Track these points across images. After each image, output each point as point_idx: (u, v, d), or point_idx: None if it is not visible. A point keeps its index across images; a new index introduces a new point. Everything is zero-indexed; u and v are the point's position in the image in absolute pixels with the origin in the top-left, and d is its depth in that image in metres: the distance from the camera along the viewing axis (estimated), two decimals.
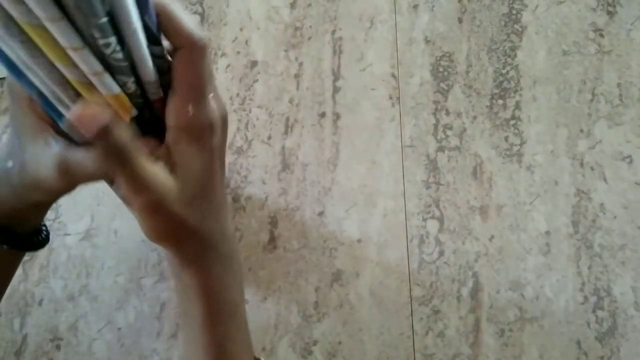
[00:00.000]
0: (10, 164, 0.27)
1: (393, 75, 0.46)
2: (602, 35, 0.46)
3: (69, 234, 0.42)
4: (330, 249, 0.41)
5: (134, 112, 0.21)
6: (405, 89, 0.45)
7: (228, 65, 0.47)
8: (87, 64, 0.17)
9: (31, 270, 0.41)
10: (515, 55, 0.45)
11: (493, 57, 0.46)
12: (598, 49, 0.46)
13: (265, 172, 0.43)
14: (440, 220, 0.41)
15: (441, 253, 0.40)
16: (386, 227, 0.41)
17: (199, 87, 0.22)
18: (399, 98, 0.45)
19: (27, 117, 0.23)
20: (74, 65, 0.18)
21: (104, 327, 0.39)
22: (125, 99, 0.20)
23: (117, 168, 0.20)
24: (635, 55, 0.45)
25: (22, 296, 0.40)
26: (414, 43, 0.47)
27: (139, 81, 0.20)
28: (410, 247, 0.40)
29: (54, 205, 0.43)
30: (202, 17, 0.48)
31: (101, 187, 0.43)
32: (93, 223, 0.42)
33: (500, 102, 0.44)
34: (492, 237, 0.40)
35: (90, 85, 0.19)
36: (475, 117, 0.44)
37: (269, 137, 0.45)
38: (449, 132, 0.44)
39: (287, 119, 0.45)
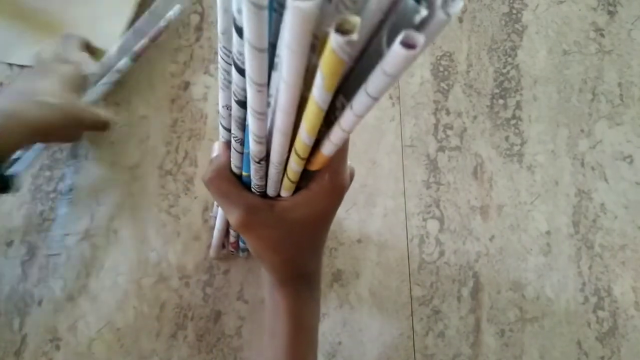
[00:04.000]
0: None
1: None
2: (602, 35, 0.46)
3: (68, 234, 0.41)
4: (330, 249, 0.41)
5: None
6: (406, 89, 0.45)
7: None
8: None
9: (30, 270, 0.41)
10: (516, 55, 0.45)
11: (493, 56, 0.45)
12: (599, 49, 0.46)
13: None
14: (441, 220, 0.41)
15: (441, 253, 0.40)
16: (386, 227, 0.41)
17: (339, 161, 0.25)
18: (399, 98, 0.45)
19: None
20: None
21: (103, 328, 0.39)
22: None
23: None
24: (636, 55, 0.45)
25: (22, 296, 0.40)
26: None
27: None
28: (411, 247, 0.40)
29: (53, 205, 0.42)
30: (202, 16, 0.48)
31: (100, 187, 0.43)
32: (92, 223, 0.42)
33: (501, 101, 0.44)
34: (493, 237, 0.40)
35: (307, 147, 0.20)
36: (475, 117, 0.44)
37: None
38: (449, 132, 0.43)
39: None
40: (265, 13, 0.14)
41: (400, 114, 0.44)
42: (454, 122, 0.44)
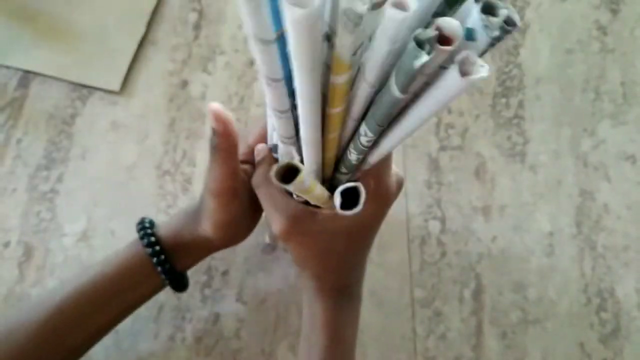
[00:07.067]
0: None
1: None
2: (605, 34, 0.46)
3: (65, 235, 0.41)
4: None
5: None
6: None
7: (227, 63, 0.46)
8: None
9: (27, 271, 0.40)
10: (519, 54, 0.45)
11: (496, 55, 0.45)
12: (602, 47, 0.45)
13: None
14: (442, 220, 0.40)
15: (443, 254, 0.40)
16: (387, 228, 0.40)
17: (384, 168, 0.25)
18: None
19: (233, 181, 0.27)
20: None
21: None
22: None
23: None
24: (639, 54, 0.45)
25: (19, 297, 0.40)
26: None
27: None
28: (412, 248, 0.40)
29: (50, 206, 0.42)
30: (200, 14, 0.48)
31: (97, 187, 0.42)
32: (90, 224, 0.41)
33: (503, 100, 0.44)
34: (495, 237, 0.40)
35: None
36: (477, 116, 0.43)
37: None
38: (451, 131, 0.43)
39: None
40: (274, 47, 0.14)
41: None
42: (456, 121, 0.43)
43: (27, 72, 0.46)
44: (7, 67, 0.46)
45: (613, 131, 0.42)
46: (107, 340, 0.38)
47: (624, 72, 0.44)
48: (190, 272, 0.40)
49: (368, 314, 0.38)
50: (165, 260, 0.31)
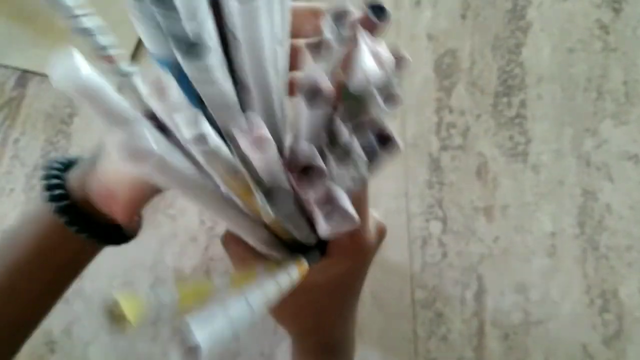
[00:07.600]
0: None
1: None
2: (607, 32, 0.45)
3: None
4: None
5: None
6: (407, 86, 0.44)
7: None
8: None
9: None
10: (520, 53, 0.45)
11: (497, 54, 0.45)
12: (604, 47, 0.45)
13: None
14: (444, 221, 0.40)
15: (444, 255, 0.39)
16: (387, 229, 0.40)
17: (361, 219, 0.22)
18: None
19: None
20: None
21: (99, 331, 0.38)
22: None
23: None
24: None
25: None
26: (416, 39, 0.46)
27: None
28: (413, 249, 0.39)
29: None
30: None
31: None
32: None
33: (505, 100, 0.43)
34: (497, 238, 0.39)
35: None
36: (479, 116, 0.43)
37: None
38: (452, 131, 0.43)
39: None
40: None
41: (402, 112, 0.44)
42: (457, 121, 0.43)
43: (25, 71, 0.46)
44: (5, 67, 0.46)
45: (615, 131, 0.42)
46: (105, 341, 0.38)
47: (627, 71, 0.44)
48: (190, 273, 0.40)
49: (368, 315, 0.38)
50: (87, 225, 0.24)
